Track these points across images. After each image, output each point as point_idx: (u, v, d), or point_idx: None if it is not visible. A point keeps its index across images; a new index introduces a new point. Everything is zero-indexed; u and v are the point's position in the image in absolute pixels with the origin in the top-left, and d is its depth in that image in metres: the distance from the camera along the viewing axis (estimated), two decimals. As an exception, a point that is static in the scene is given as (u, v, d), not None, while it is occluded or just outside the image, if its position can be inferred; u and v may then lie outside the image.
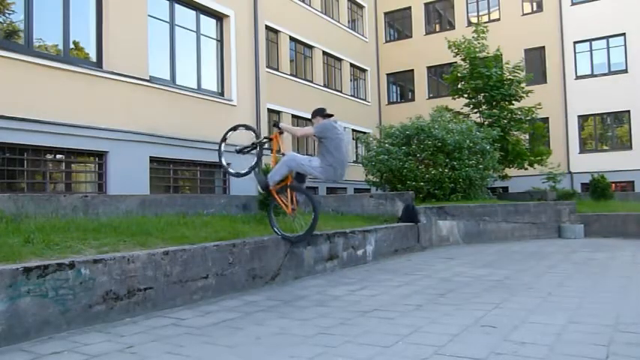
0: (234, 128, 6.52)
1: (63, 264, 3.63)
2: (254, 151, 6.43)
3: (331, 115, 6.05)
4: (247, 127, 6.67)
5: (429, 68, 25.27)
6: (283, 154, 6.12)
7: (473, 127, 12.17)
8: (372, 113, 24.46)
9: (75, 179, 8.15)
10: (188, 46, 10.11)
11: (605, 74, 21.36)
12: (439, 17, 25.99)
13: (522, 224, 11.05)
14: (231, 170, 6.47)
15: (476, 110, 16.17)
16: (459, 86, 16.52)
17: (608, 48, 21.48)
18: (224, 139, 6.50)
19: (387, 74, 26.49)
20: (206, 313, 4.23)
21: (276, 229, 5.81)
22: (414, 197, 9.47)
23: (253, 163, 6.32)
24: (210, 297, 4.74)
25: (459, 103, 16.92)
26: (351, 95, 23.32)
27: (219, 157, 6.48)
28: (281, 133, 6.16)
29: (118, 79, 8.29)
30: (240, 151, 6.50)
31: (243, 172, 6.41)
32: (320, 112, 6.02)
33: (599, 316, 3.95)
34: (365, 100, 24.50)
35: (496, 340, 3.30)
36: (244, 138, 6.77)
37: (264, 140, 6.39)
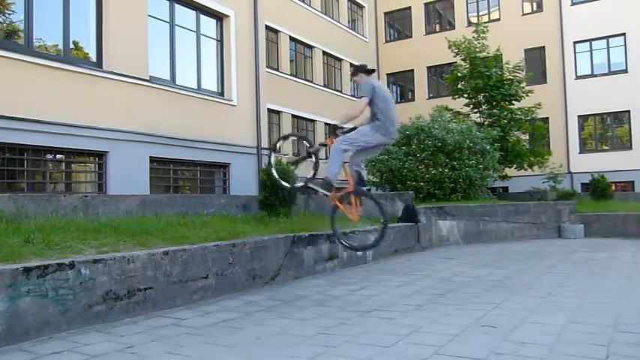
0: (286, 137, 6.10)
1: (63, 264, 3.64)
2: (308, 161, 5.87)
3: (373, 71, 5.68)
4: (300, 137, 6.24)
5: (429, 68, 25.26)
6: None
7: (473, 127, 12.18)
8: (372, 113, 24.43)
9: (75, 179, 8.15)
10: (188, 46, 10.10)
11: (605, 74, 21.34)
12: (439, 17, 25.98)
13: (522, 224, 11.05)
14: (284, 183, 5.96)
15: (476, 110, 16.17)
16: (459, 86, 16.52)
17: (608, 48, 21.46)
18: (274, 148, 6.00)
19: (387, 74, 26.47)
20: (206, 313, 4.24)
21: (343, 242, 5.48)
22: (414, 197, 9.47)
23: (310, 176, 5.72)
24: (210, 297, 4.74)
25: (459, 103, 16.92)
26: (351, 95, 23.31)
27: (270, 168, 5.99)
28: (336, 136, 5.56)
29: (118, 79, 8.28)
30: (294, 163, 6.06)
31: (298, 185, 5.94)
32: (363, 69, 5.54)
33: (599, 316, 3.95)
34: (365, 100, 24.47)
35: (496, 340, 3.30)
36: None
37: (319, 148, 5.85)
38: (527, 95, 15.94)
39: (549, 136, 21.11)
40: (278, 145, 5.99)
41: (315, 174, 5.67)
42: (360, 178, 5.50)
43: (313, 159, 5.74)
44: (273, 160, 5.93)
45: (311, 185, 5.68)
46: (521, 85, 15.93)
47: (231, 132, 10.48)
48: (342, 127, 5.48)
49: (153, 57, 9.08)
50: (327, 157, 5.67)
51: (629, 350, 3.05)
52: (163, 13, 9.55)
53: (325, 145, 5.77)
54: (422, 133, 11.44)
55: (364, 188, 5.53)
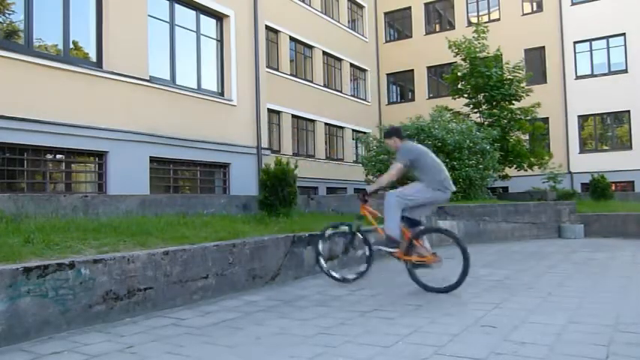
0: (335, 226, 5.81)
1: (63, 264, 3.64)
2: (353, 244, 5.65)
3: (406, 136, 5.37)
4: (343, 224, 5.87)
5: (429, 68, 25.25)
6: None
7: (473, 127, 12.17)
8: (372, 113, 24.45)
9: (75, 179, 8.15)
10: (188, 46, 10.10)
11: (605, 74, 21.34)
12: (439, 17, 25.98)
13: (522, 224, 11.05)
14: (335, 275, 5.56)
15: (476, 110, 16.17)
16: (459, 86, 16.52)
17: (608, 48, 21.46)
18: (322, 236, 5.70)
19: (387, 74, 26.47)
20: (206, 313, 4.24)
21: (432, 290, 5.00)
22: (414, 197, 9.44)
23: (364, 269, 5.49)
24: (210, 297, 4.74)
25: (459, 103, 16.92)
26: (351, 95, 23.31)
27: (319, 260, 5.61)
28: (366, 201, 5.42)
29: (118, 79, 8.28)
30: (345, 253, 5.72)
31: (351, 277, 5.50)
32: (397, 133, 5.36)
33: (599, 316, 3.95)
34: (365, 100, 24.50)
35: (496, 340, 3.30)
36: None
37: (359, 223, 5.59)
38: (526, 95, 15.93)
39: (549, 136, 21.13)
40: (327, 234, 5.74)
41: (369, 261, 5.43)
42: (412, 220, 5.18)
43: (364, 243, 5.51)
44: (321, 247, 5.63)
45: (380, 248, 5.20)
46: (521, 84, 15.92)
47: (231, 132, 10.48)
48: (371, 194, 5.33)
49: (153, 57, 9.08)
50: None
51: (629, 350, 3.05)
52: (163, 13, 9.56)
53: (362, 217, 5.52)
54: (422, 133, 11.43)
55: (421, 227, 5.21)
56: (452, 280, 4.92)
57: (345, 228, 5.66)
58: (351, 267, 5.61)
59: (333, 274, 5.58)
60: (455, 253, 5.10)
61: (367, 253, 5.53)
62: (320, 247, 5.63)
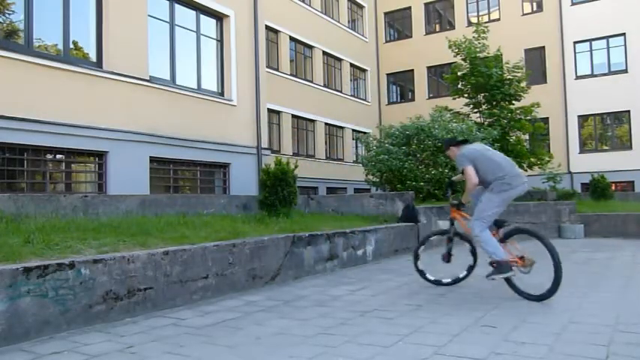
0: (439, 233, 5.79)
1: (63, 264, 3.64)
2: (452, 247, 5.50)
3: (465, 141, 5.37)
4: (435, 234, 5.89)
5: (429, 68, 25.25)
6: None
7: (473, 127, 12.17)
8: (372, 113, 24.45)
9: (75, 179, 8.15)
10: (188, 46, 10.10)
11: (605, 74, 21.34)
12: (439, 17, 25.98)
13: (522, 224, 11.05)
14: (430, 277, 5.51)
15: (476, 110, 16.16)
16: (459, 86, 16.51)
17: (608, 48, 21.46)
18: (424, 242, 5.71)
19: (387, 74, 26.47)
20: (206, 313, 4.24)
21: (521, 291, 4.77)
22: (414, 197, 9.45)
23: (462, 275, 5.42)
24: (210, 297, 4.74)
25: (459, 103, 16.91)
26: (351, 95, 23.31)
27: (415, 262, 5.58)
28: (459, 209, 5.36)
29: (118, 79, 8.29)
30: (448, 260, 5.44)
31: (447, 281, 5.42)
32: (452, 142, 5.35)
33: (599, 316, 3.95)
34: (365, 100, 24.49)
35: (496, 340, 3.30)
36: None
37: (454, 227, 5.46)
38: (526, 93, 15.91)
39: (549, 136, 21.15)
40: (420, 251, 5.66)
41: (474, 263, 5.43)
42: (497, 221, 5.01)
43: (470, 253, 5.48)
44: (420, 251, 5.62)
45: (494, 277, 4.80)
46: (521, 84, 15.90)
47: (231, 132, 10.49)
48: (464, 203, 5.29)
49: (153, 57, 9.08)
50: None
51: (629, 350, 3.05)
52: (163, 13, 9.56)
53: (454, 220, 5.45)
54: (422, 133, 11.43)
55: (508, 228, 5.05)
56: (544, 288, 4.54)
57: (446, 235, 5.54)
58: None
59: (429, 276, 5.51)
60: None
61: (471, 262, 5.45)
62: (419, 251, 5.62)
